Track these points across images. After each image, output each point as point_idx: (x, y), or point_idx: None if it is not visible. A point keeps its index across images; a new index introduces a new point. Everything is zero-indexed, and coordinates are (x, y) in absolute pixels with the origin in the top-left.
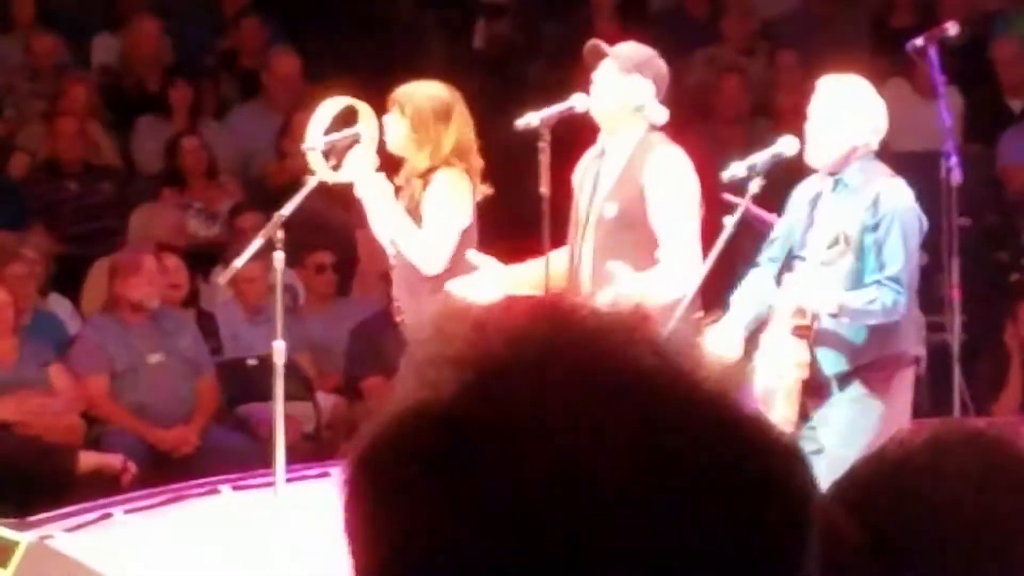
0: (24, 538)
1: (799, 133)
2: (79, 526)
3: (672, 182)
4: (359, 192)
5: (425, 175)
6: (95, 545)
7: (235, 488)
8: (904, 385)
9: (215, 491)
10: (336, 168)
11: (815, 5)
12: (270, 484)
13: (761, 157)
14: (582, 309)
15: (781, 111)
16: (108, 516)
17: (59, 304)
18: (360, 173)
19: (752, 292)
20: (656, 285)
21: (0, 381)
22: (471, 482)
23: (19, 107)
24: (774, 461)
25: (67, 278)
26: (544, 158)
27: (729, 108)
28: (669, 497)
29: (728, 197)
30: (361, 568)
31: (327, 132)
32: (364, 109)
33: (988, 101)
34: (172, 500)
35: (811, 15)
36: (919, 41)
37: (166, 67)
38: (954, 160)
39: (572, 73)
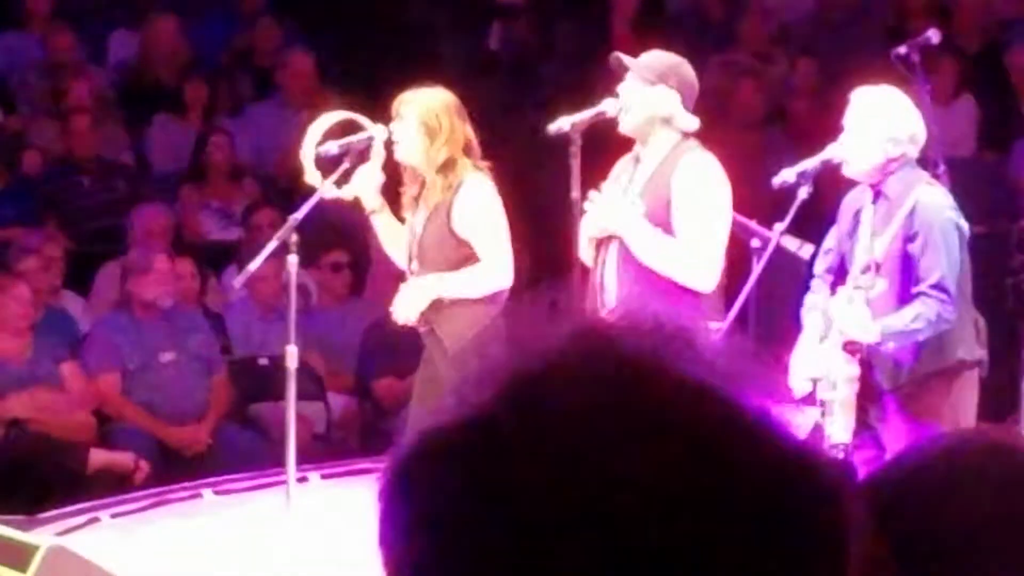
0: (43, 541)
1: (813, 139)
2: (68, 530)
3: (699, 187)
4: (369, 208)
5: (447, 171)
6: (101, 547)
7: (216, 492)
8: (966, 389)
9: (197, 495)
10: (339, 184)
11: (830, 11)
12: (251, 489)
13: (810, 163)
14: (622, 328)
15: (796, 117)
16: (96, 520)
17: (72, 301)
18: (365, 190)
19: (817, 307)
20: (669, 264)
21: (13, 377)
22: (505, 498)
23: (34, 103)
24: (816, 492)
25: (80, 275)
26: (575, 163)
27: (745, 113)
28: (705, 522)
29: None
30: (390, 571)
31: (338, 139)
32: (364, 121)
33: (1004, 108)
34: (154, 504)
35: (826, 21)
36: (902, 49)
37: (182, 65)
38: (942, 168)
39: (588, 74)
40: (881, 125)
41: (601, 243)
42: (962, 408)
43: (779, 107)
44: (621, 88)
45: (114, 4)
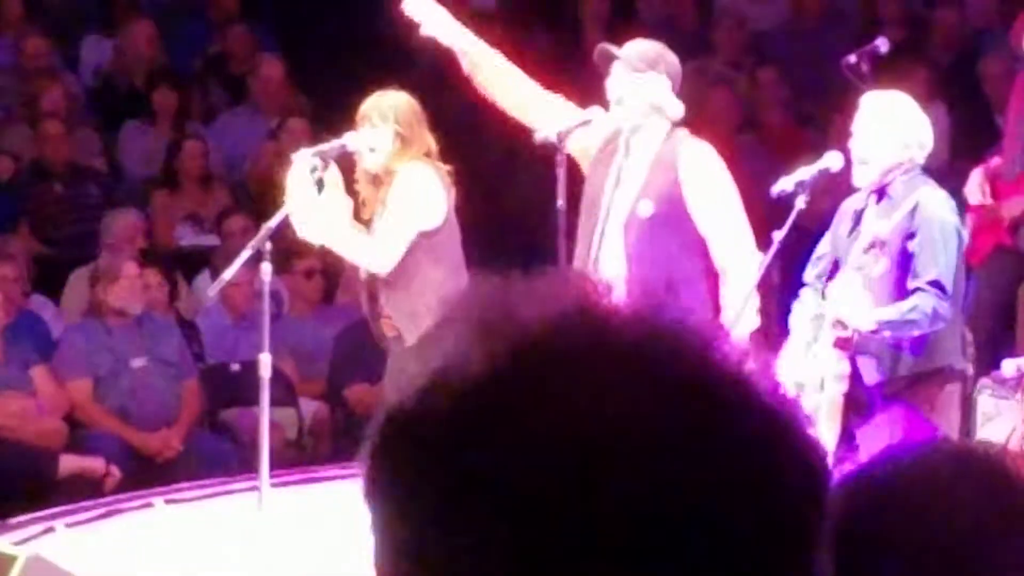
0: (22, 551)
1: (787, 148)
2: (25, 539)
3: (710, 178)
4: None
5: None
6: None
7: (168, 502)
8: (950, 401)
9: (148, 504)
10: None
11: (803, 20)
12: (201, 498)
13: (808, 172)
14: (616, 290)
15: (769, 125)
16: (51, 529)
17: (43, 306)
18: (330, 232)
19: (806, 313)
20: (737, 286)
21: None
22: (495, 457)
23: (6, 108)
24: (799, 446)
25: (52, 280)
26: (561, 171)
27: (718, 121)
28: (694, 488)
29: None
30: (382, 541)
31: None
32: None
33: (976, 118)
34: (107, 514)
35: (798, 31)
36: (852, 58)
37: (155, 71)
38: None
39: (561, 81)
40: (892, 130)
41: (596, 232)
42: (945, 419)
43: (752, 116)
44: (610, 81)
45: (88, 9)
